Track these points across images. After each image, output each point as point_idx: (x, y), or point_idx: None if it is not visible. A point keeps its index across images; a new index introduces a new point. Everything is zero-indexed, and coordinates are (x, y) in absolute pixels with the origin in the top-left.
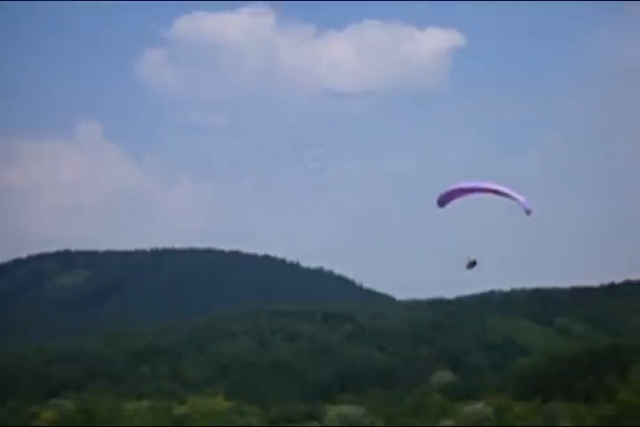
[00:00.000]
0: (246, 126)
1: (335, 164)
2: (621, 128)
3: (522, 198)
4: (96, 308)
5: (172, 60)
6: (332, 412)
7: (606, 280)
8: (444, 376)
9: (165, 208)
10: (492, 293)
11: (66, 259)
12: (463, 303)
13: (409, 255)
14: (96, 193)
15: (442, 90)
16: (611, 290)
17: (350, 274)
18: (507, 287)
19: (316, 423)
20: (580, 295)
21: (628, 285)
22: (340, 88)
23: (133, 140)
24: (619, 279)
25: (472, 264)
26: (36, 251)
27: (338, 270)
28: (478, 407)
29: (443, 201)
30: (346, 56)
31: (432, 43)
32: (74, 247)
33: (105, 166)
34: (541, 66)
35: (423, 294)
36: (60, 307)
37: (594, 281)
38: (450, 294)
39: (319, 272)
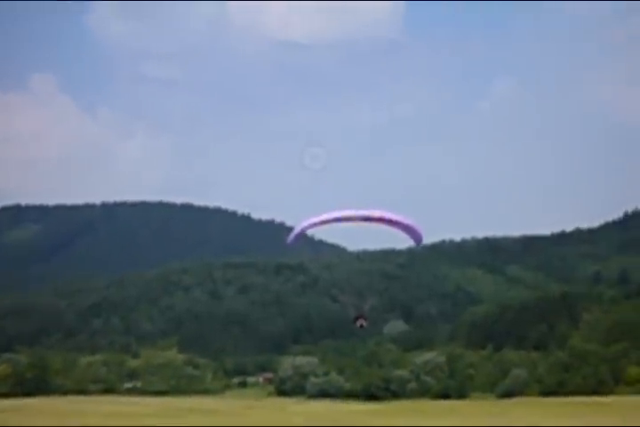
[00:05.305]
0: (200, 78)
1: (291, 115)
2: (574, 76)
3: (415, 226)
4: (47, 262)
5: (122, 11)
6: (286, 363)
7: (556, 229)
8: (396, 326)
9: (119, 162)
10: (442, 242)
11: (15, 213)
12: (414, 254)
13: (360, 206)
14: (49, 146)
15: (397, 40)
16: (561, 238)
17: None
18: (457, 237)
19: (269, 375)
20: (530, 244)
21: (578, 233)
22: (294, 40)
23: (88, 93)
24: (569, 227)
25: (356, 319)
26: None
27: (289, 222)
28: (431, 357)
29: (295, 238)
30: (299, 8)
31: None
32: (24, 202)
33: (59, 119)
34: (495, 13)
35: (374, 245)
36: (11, 262)
37: (544, 230)
38: (401, 244)
39: (270, 224)
